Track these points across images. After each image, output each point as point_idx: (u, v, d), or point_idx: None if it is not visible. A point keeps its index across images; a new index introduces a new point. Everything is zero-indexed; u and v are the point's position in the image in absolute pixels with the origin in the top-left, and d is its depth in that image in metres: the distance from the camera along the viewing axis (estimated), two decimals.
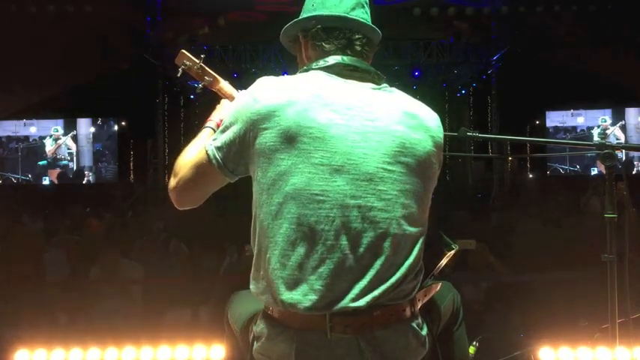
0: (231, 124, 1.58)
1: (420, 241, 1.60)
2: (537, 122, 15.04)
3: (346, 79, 1.61)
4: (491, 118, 14.10)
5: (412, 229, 1.56)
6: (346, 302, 1.48)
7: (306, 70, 1.65)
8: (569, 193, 9.00)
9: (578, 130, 14.23)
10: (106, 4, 11.38)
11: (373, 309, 1.51)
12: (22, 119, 14.29)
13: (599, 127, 13.85)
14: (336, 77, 1.61)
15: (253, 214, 1.58)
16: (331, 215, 1.49)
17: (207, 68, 2.03)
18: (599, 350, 3.00)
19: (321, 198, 1.49)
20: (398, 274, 1.53)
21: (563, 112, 14.39)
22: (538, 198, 9.75)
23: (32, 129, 14.46)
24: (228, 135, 1.58)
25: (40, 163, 14.40)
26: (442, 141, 1.67)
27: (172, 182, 1.67)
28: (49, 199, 11.99)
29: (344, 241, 1.49)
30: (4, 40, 9.72)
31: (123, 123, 15.01)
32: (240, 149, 1.56)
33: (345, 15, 1.67)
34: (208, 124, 1.82)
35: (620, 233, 2.01)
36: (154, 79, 13.40)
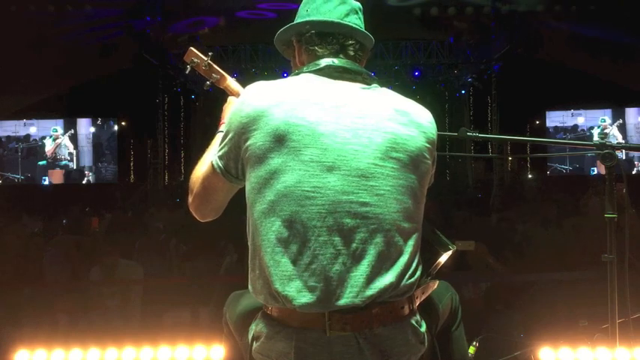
0: (227, 132, 1.61)
1: (415, 236, 1.60)
2: (537, 122, 15.05)
3: (336, 80, 1.64)
4: (491, 118, 14.12)
5: (406, 225, 1.57)
6: (342, 300, 1.49)
7: (297, 74, 1.67)
8: (569, 193, 9.00)
9: (578, 130, 14.24)
10: (106, 4, 11.38)
11: (371, 307, 1.51)
12: (22, 119, 14.30)
13: (599, 127, 13.85)
14: (326, 78, 1.63)
15: (247, 214, 1.60)
16: (323, 212, 1.49)
17: (214, 65, 2.07)
18: (599, 350, 3.00)
19: (313, 195, 1.49)
20: (394, 272, 1.53)
21: (563, 112, 14.40)
22: (538, 198, 9.75)
23: (32, 129, 14.47)
24: (226, 142, 1.61)
25: (40, 163, 14.41)
26: (435, 138, 1.67)
27: (189, 199, 1.73)
28: (49, 199, 12.00)
29: (336, 237, 1.50)
30: (4, 41, 9.72)
31: (123, 123, 15.03)
32: (237, 154, 1.59)
33: (339, 21, 1.70)
34: (221, 127, 1.83)
35: (620, 233, 2.01)
36: (154, 79, 13.41)
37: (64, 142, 14.43)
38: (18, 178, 14.37)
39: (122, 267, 4.67)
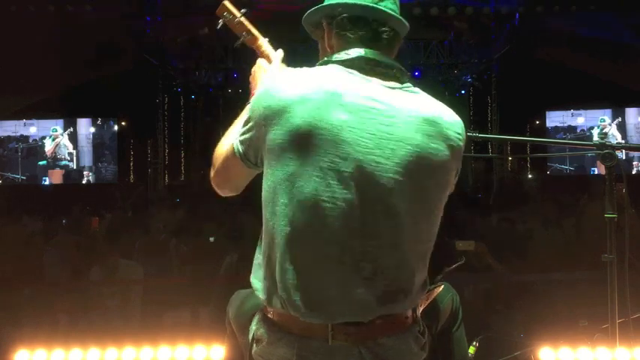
0: (249, 119, 1.55)
1: (428, 255, 1.55)
2: (537, 122, 15.04)
3: (367, 75, 1.54)
4: (491, 118, 14.11)
5: (419, 245, 1.51)
6: (347, 317, 1.46)
7: (326, 63, 1.58)
8: (569, 193, 9.00)
9: (578, 130, 14.23)
10: (106, 4, 11.38)
11: (375, 319, 1.48)
12: (22, 119, 14.29)
13: (598, 127, 13.85)
14: (356, 73, 1.53)
15: (262, 210, 1.55)
16: (336, 225, 1.43)
17: (246, 23, 1.99)
18: (599, 350, 3.00)
19: (326, 205, 1.43)
20: (402, 293, 1.49)
21: (563, 112, 14.39)
22: (538, 198, 9.74)
23: (32, 129, 14.46)
24: (247, 129, 1.55)
25: (40, 163, 14.40)
26: (462, 149, 1.59)
27: (211, 173, 1.69)
28: (49, 199, 11.99)
29: (347, 253, 1.44)
30: (4, 40, 9.71)
31: (123, 123, 15.02)
32: (257, 143, 1.53)
33: (373, 5, 1.59)
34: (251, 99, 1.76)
35: (620, 233, 2.01)
36: (154, 79, 13.39)
37: (63, 141, 14.40)
38: (18, 178, 14.37)
39: (122, 267, 4.67)
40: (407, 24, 1.65)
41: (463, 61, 13.75)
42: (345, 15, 1.59)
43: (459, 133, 1.58)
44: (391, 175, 1.45)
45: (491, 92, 14.00)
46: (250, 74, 1.89)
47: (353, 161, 1.44)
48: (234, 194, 1.73)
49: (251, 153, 1.56)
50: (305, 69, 1.58)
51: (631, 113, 13.98)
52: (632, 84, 12.31)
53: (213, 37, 12.80)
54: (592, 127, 14.00)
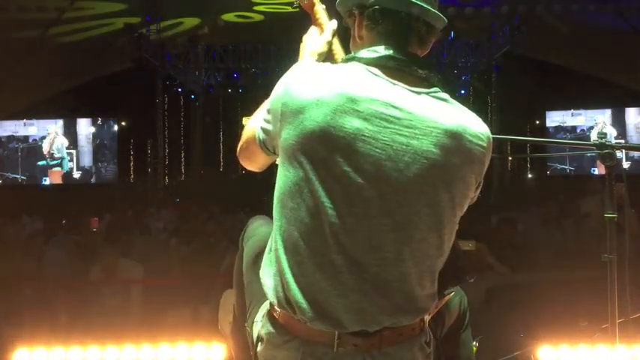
0: (269, 111, 1.50)
1: (436, 270, 1.52)
2: (537, 122, 15.06)
3: (392, 76, 1.45)
4: (491, 118, 14.10)
5: (427, 260, 1.47)
6: (354, 327, 1.45)
7: (351, 59, 1.51)
8: (570, 193, 9.00)
9: (578, 130, 14.24)
10: (106, 4, 11.39)
11: (382, 330, 1.46)
12: (22, 119, 14.31)
13: (596, 126, 13.87)
14: (380, 75, 1.45)
15: (274, 207, 1.53)
16: (341, 234, 1.40)
17: None
18: (599, 349, 3.00)
19: (333, 214, 1.39)
20: (411, 309, 1.47)
21: (563, 112, 14.40)
22: (538, 198, 9.75)
23: (32, 129, 14.48)
24: (267, 119, 1.51)
25: (40, 163, 14.41)
26: (485, 162, 1.52)
27: (238, 146, 1.67)
28: (49, 199, 12.00)
29: (352, 262, 1.42)
30: (5, 41, 9.72)
31: (123, 123, 15.04)
32: (273, 137, 1.51)
33: None
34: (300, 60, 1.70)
35: (620, 233, 2.01)
36: (153, 79, 13.40)
37: (58, 138, 14.40)
38: (18, 178, 14.38)
39: (122, 266, 4.68)
40: (444, 18, 1.54)
41: (463, 61, 13.75)
42: (377, 7, 1.50)
43: (482, 147, 1.50)
44: (402, 189, 1.40)
45: (491, 92, 14.00)
46: (301, 41, 1.83)
47: (364, 172, 1.39)
48: (256, 170, 1.72)
49: (269, 142, 1.52)
50: (328, 66, 1.54)
51: (631, 113, 13.98)
52: (632, 84, 12.34)
53: (213, 37, 12.83)
54: (592, 127, 14.02)
